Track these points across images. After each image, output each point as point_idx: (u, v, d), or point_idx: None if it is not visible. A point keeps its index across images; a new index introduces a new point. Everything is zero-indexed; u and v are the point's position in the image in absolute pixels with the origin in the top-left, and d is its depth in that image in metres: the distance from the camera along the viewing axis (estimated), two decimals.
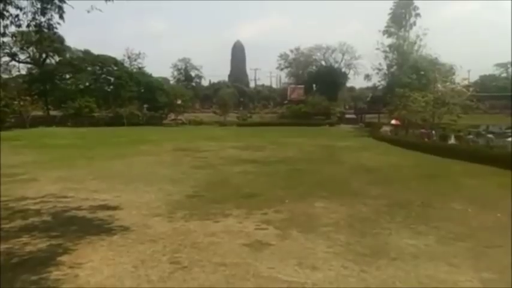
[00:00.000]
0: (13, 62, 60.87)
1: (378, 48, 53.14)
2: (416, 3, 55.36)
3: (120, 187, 12.90)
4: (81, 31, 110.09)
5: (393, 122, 39.96)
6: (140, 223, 8.77)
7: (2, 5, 7.66)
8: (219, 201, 10.85)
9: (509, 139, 24.82)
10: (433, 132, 30.87)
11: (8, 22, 7.79)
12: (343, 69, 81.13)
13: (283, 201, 10.92)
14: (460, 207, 10.50)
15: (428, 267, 6.40)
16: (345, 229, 8.46)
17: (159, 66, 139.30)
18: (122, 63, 65.46)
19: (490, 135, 25.32)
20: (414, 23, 53.86)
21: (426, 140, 29.01)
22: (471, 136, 25.79)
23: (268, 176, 15.23)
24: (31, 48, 58.87)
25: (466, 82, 37.85)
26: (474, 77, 65.01)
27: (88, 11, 7.92)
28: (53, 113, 59.50)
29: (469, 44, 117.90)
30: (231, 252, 6.98)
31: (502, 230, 8.40)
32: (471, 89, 34.42)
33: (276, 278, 5.96)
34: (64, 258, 6.61)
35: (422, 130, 32.61)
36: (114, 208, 10.13)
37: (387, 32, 55.18)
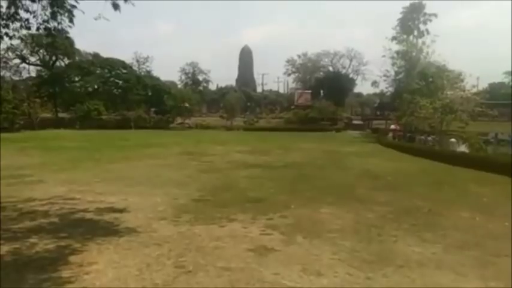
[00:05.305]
0: (23, 64, 61.80)
1: (384, 56, 52.99)
2: (425, 9, 55.07)
3: (127, 190, 12.95)
4: (90, 34, 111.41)
5: (392, 127, 40.20)
6: (146, 226, 8.80)
7: (13, 9, 7.80)
8: (224, 206, 10.85)
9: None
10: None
11: (18, 25, 7.93)
12: (350, 75, 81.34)
13: (288, 207, 10.88)
14: (467, 216, 10.40)
15: (435, 276, 6.34)
16: (351, 235, 8.40)
17: (167, 70, 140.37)
18: (131, 67, 66.08)
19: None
20: (427, 31, 53.36)
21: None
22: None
23: (274, 181, 15.20)
24: (41, 51, 59.69)
25: (475, 89, 37.64)
26: (483, 85, 64.57)
27: (95, 19, 7.91)
28: (61, 115, 60.17)
29: (478, 52, 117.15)
30: (235, 257, 6.97)
31: (509, 239, 8.29)
32: (479, 97, 34.15)
33: (280, 283, 5.93)
34: (70, 260, 6.65)
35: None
36: (121, 211, 10.17)
37: (395, 39, 54.96)
